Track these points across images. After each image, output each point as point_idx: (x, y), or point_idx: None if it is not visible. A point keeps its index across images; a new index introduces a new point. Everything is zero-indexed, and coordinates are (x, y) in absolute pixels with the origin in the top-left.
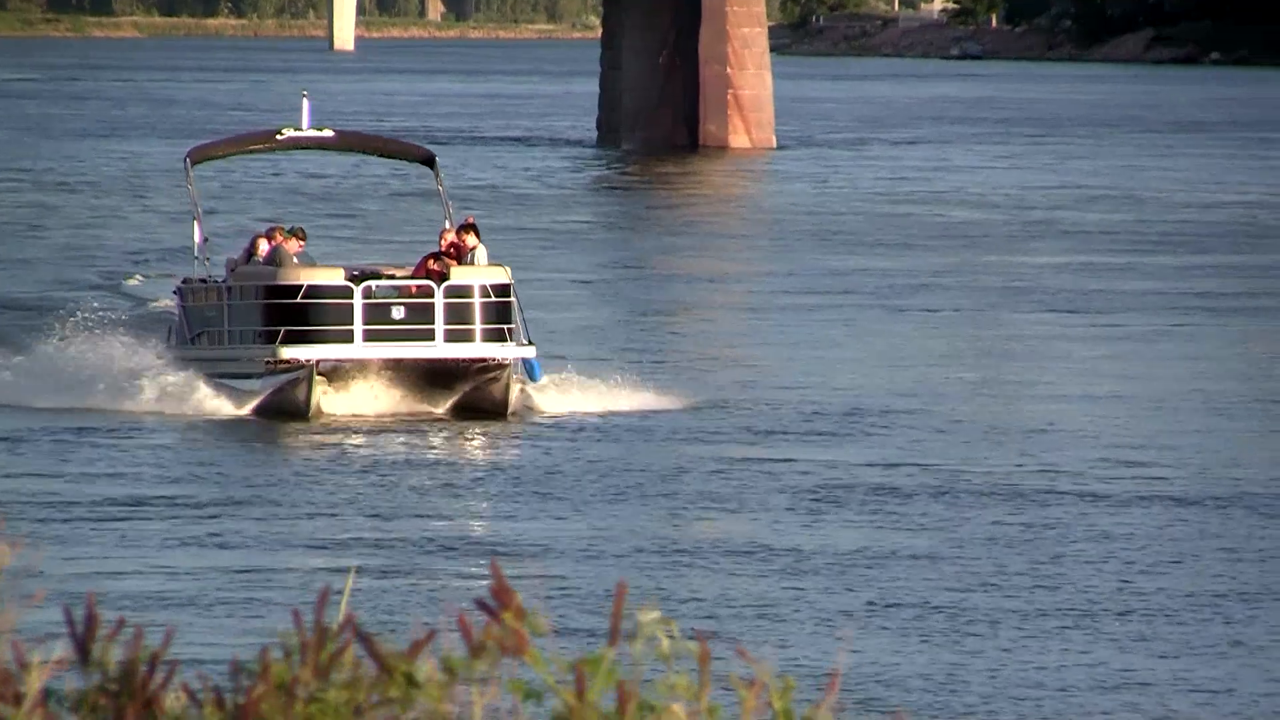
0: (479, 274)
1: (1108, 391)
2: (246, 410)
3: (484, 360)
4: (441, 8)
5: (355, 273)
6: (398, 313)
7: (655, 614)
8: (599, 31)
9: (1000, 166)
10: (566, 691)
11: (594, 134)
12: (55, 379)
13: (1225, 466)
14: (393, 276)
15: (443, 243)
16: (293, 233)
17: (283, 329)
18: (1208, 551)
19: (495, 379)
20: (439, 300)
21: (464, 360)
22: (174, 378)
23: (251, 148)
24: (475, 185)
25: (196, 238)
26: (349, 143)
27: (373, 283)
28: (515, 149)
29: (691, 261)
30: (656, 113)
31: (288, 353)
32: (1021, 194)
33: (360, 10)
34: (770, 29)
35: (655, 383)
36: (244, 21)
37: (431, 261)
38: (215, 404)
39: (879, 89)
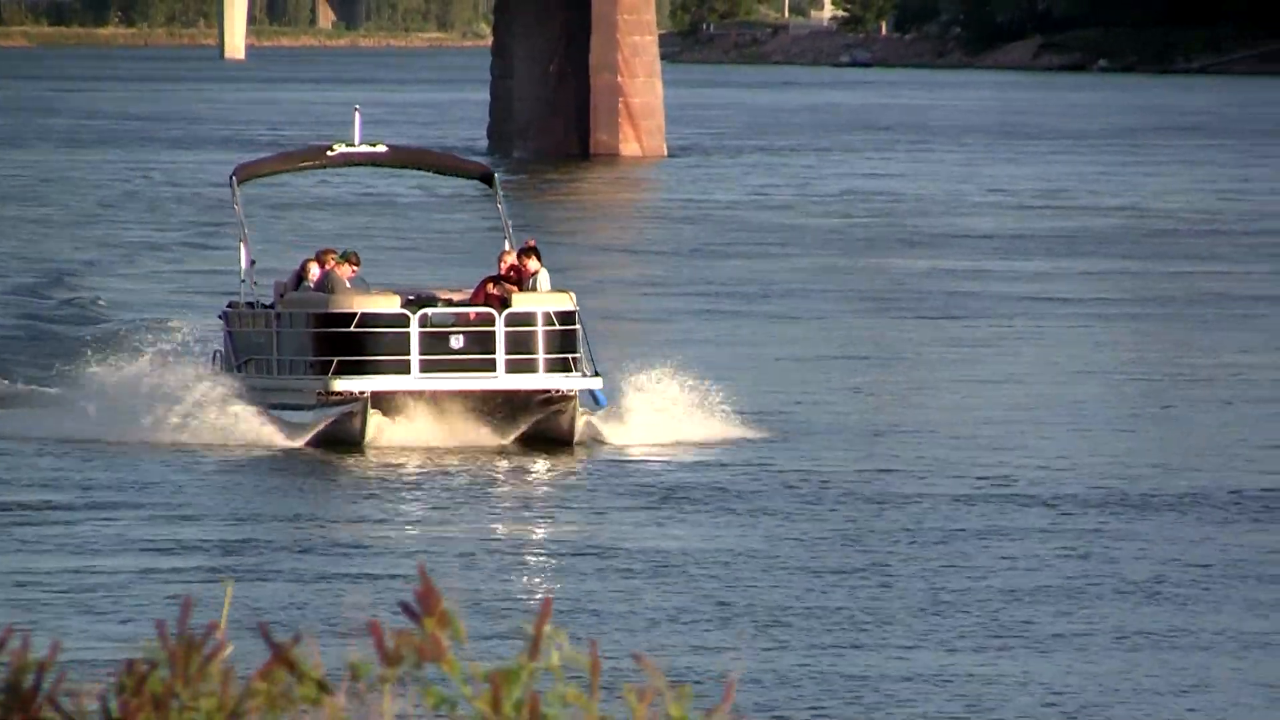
0: (542, 300)
1: (986, 393)
2: (300, 442)
3: (548, 392)
4: (332, 16)
5: (410, 298)
6: (456, 342)
7: (547, 626)
8: (490, 40)
9: (885, 173)
10: (481, 702)
11: (485, 143)
12: (88, 409)
13: (1099, 465)
14: (449, 302)
15: (502, 266)
16: (345, 257)
17: (335, 359)
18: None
19: (560, 411)
20: (500, 328)
21: (527, 392)
22: (224, 407)
23: (301, 165)
24: (366, 193)
25: (243, 260)
26: (403, 159)
27: (430, 310)
28: None
29: (582, 269)
30: (547, 121)
31: (341, 385)
32: (903, 199)
33: (251, 19)
34: (661, 37)
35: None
36: (134, 30)
37: (490, 286)
38: (266, 434)
39: (769, 97)
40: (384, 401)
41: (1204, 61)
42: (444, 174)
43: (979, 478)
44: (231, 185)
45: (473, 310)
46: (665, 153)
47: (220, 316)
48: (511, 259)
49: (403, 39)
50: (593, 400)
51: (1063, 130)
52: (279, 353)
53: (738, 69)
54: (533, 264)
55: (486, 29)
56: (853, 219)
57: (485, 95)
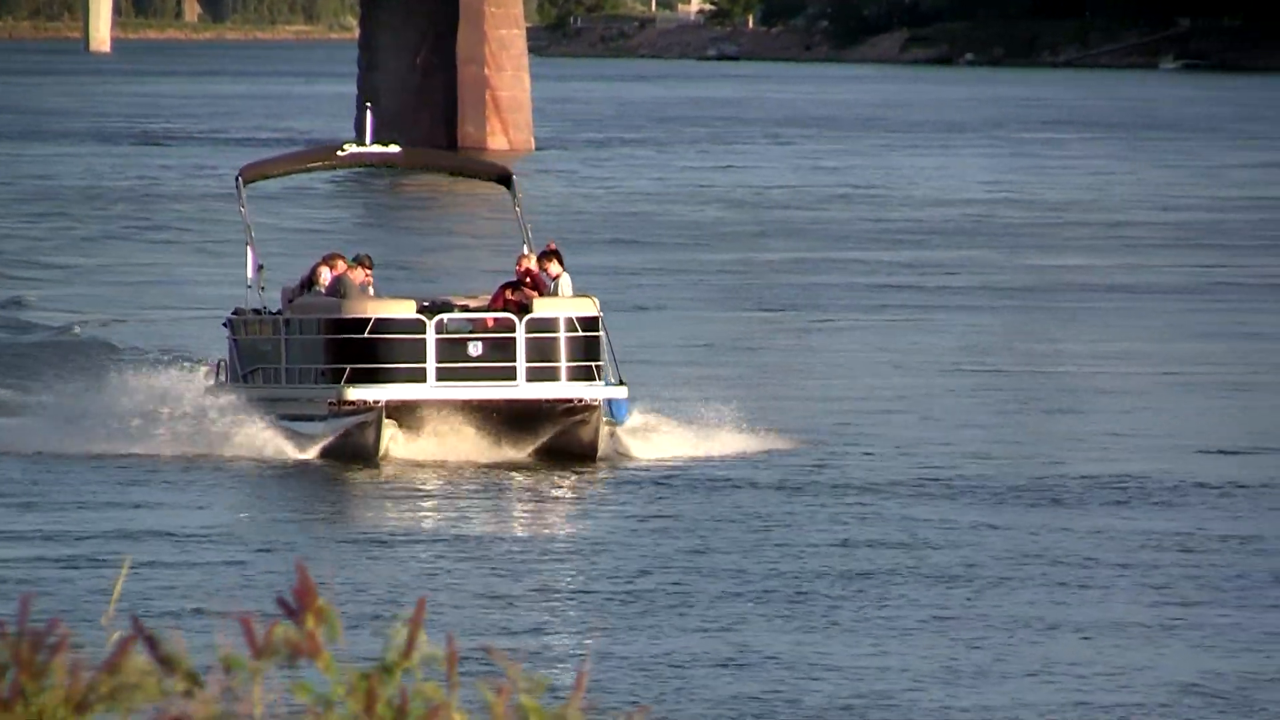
0: (564, 305)
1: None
2: (310, 454)
3: (570, 401)
4: (198, 9)
5: (426, 304)
6: (475, 349)
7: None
8: (356, 33)
9: (748, 165)
10: (355, 701)
11: (352, 135)
12: (86, 421)
13: (934, 453)
14: (466, 308)
15: (520, 270)
16: (357, 261)
17: (348, 367)
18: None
19: (584, 421)
20: (520, 335)
21: (549, 401)
22: (228, 418)
23: (310, 165)
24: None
25: (250, 264)
26: (416, 160)
27: (446, 316)
28: (273, 150)
29: (444, 261)
30: (415, 114)
31: (354, 394)
32: (764, 192)
33: (116, 11)
34: (528, 30)
35: (765, 426)
36: None
37: (509, 292)
38: (275, 446)
39: (636, 90)
40: (399, 412)
41: (1070, 55)
42: (460, 176)
43: (814, 466)
44: (237, 186)
45: (491, 316)
46: (533, 146)
47: (225, 324)
48: (530, 263)
49: (269, 32)
50: (609, 412)
51: (928, 123)
52: (288, 361)
53: (605, 62)
54: (554, 268)
55: (353, 22)
56: (712, 211)
57: (352, 88)
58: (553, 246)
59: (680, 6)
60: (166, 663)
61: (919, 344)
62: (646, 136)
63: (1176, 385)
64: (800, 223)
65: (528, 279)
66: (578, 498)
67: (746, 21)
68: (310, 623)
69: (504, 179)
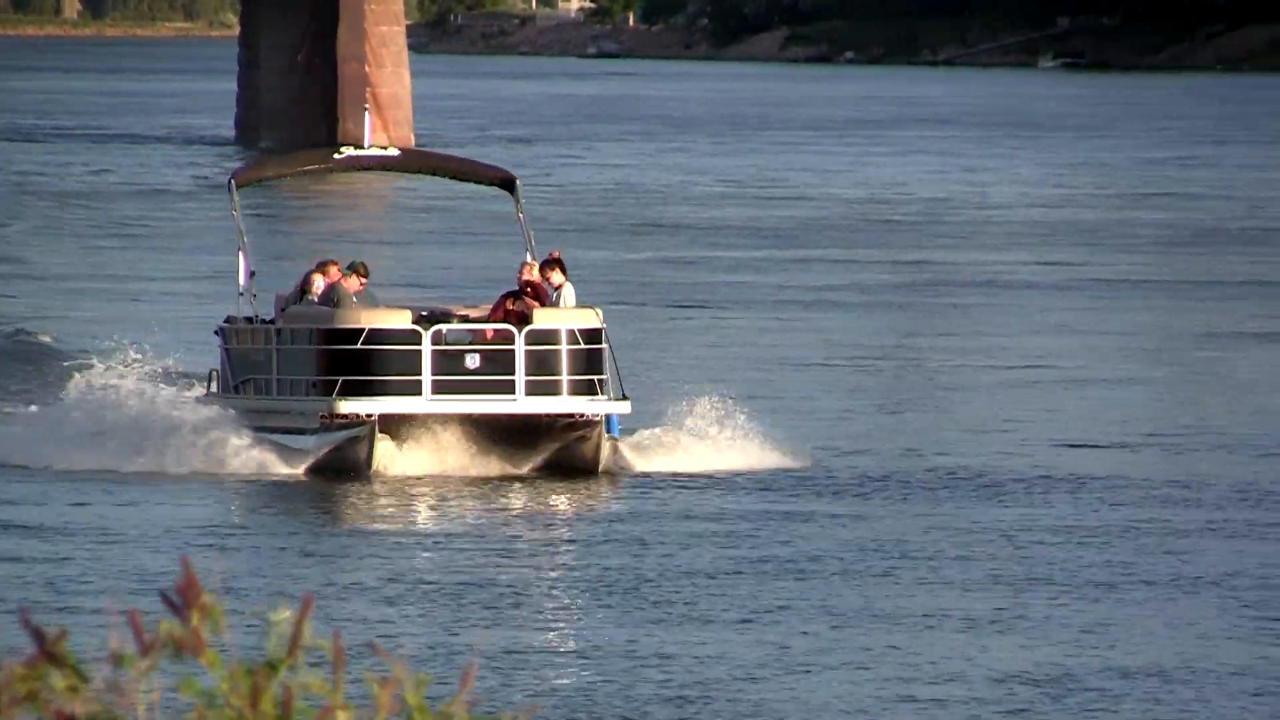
0: (566, 317)
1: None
2: (300, 470)
3: (572, 416)
4: (78, 5)
5: (423, 314)
6: (472, 361)
7: (286, 613)
8: (237, 30)
9: (625, 163)
10: (239, 697)
11: (233, 132)
12: (76, 434)
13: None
14: (465, 319)
15: (521, 278)
16: (352, 268)
17: (341, 379)
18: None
19: (585, 437)
20: (520, 347)
21: (549, 416)
22: (217, 431)
23: (304, 168)
24: (114, 183)
25: (242, 271)
26: (415, 163)
27: (444, 326)
28: (153, 147)
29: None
30: (295, 112)
31: (346, 406)
32: (640, 189)
33: None
34: (408, 27)
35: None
36: None
37: (510, 302)
38: (262, 461)
39: (516, 88)
40: (393, 425)
41: (950, 53)
42: (460, 179)
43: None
44: (230, 191)
45: (490, 327)
46: (413, 143)
47: (216, 333)
48: (533, 273)
49: (149, 29)
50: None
51: (805, 121)
52: (279, 372)
53: (485, 60)
54: (556, 277)
55: (234, 19)
56: (588, 208)
57: (233, 85)
58: (556, 255)
59: (560, 4)
60: (53, 659)
61: (788, 340)
62: (526, 134)
63: (1042, 380)
64: (676, 219)
65: (529, 289)
66: (574, 514)
67: (627, 19)
68: (195, 619)
69: (506, 183)
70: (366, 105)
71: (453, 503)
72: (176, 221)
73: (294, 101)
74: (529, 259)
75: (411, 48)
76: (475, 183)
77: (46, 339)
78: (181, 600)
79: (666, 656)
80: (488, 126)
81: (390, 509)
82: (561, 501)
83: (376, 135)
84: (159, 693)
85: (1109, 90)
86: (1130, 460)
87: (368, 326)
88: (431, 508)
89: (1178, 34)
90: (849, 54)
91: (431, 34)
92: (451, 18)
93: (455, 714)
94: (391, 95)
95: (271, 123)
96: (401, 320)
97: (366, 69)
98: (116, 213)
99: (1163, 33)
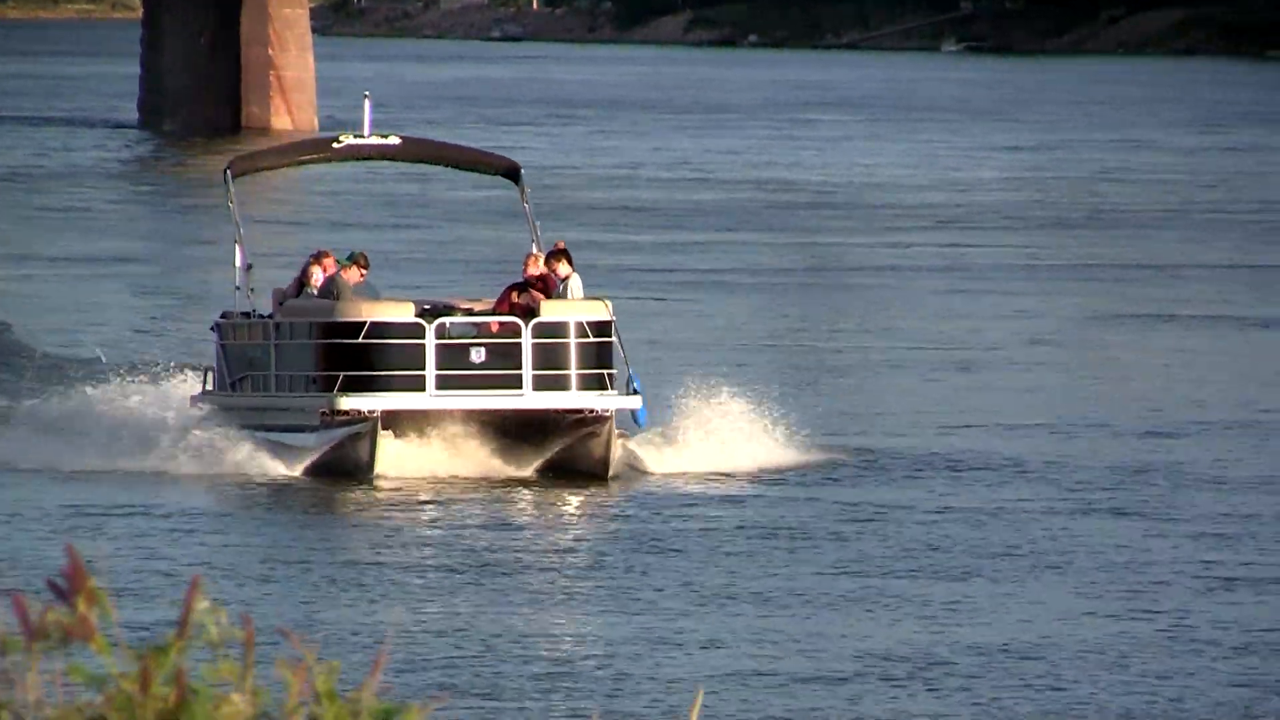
0: (574, 309)
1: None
2: (298, 470)
3: (581, 412)
4: None
5: (426, 306)
6: (477, 355)
7: (205, 602)
8: (140, 12)
9: (527, 145)
10: (129, 681)
11: (136, 116)
12: (69, 435)
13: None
14: (470, 311)
15: (527, 271)
16: (352, 260)
17: (341, 374)
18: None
19: (594, 434)
20: (527, 340)
21: (557, 412)
22: (211, 431)
23: (303, 158)
24: (13, 166)
25: (238, 264)
26: (417, 152)
27: (448, 320)
28: (55, 130)
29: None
30: (199, 94)
31: (347, 403)
32: (543, 172)
33: None
34: (312, 10)
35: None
36: None
37: (515, 294)
38: (260, 462)
39: (419, 71)
40: (396, 422)
41: (853, 37)
42: (463, 168)
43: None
44: (226, 180)
45: (495, 320)
46: (316, 126)
47: (212, 328)
48: (538, 266)
49: (51, 10)
50: (633, 421)
51: (707, 104)
52: (278, 368)
53: (389, 43)
54: (563, 268)
55: (137, 1)
56: (487, 191)
57: (136, 68)
58: (561, 246)
59: None
60: None
61: (680, 324)
62: (429, 116)
63: (927, 362)
64: (575, 203)
65: (536, 280)
66: (581, 515)
67: (531, 2)
68: (82, 605)
69: (511, 172)
70: (366, 93)
71: (458, 502)
72: (83, 204)
73: (198, 84)
74: (534, 250)
75: (315, 30)
76: (477, 171)
77: None
78: (68, 587)
79: (521, 635)
80: (391, 108)
81: (393, 509)
82: (563, 500)
83: (280, 118)
84: (56, 677)
85: (1010, 74)
86: (1008, 442)
87: (369, 320)
88: (437, 506)
89: (1079, 18)
90: (752, 37)
91: (335, 16)
92: (355, 1)
93: (364, 700)
94: (296, 78)
95: (175, 105)
96: (405, 313)
97: (270, 52)
98: (18, 196)
99: (1065, 17)
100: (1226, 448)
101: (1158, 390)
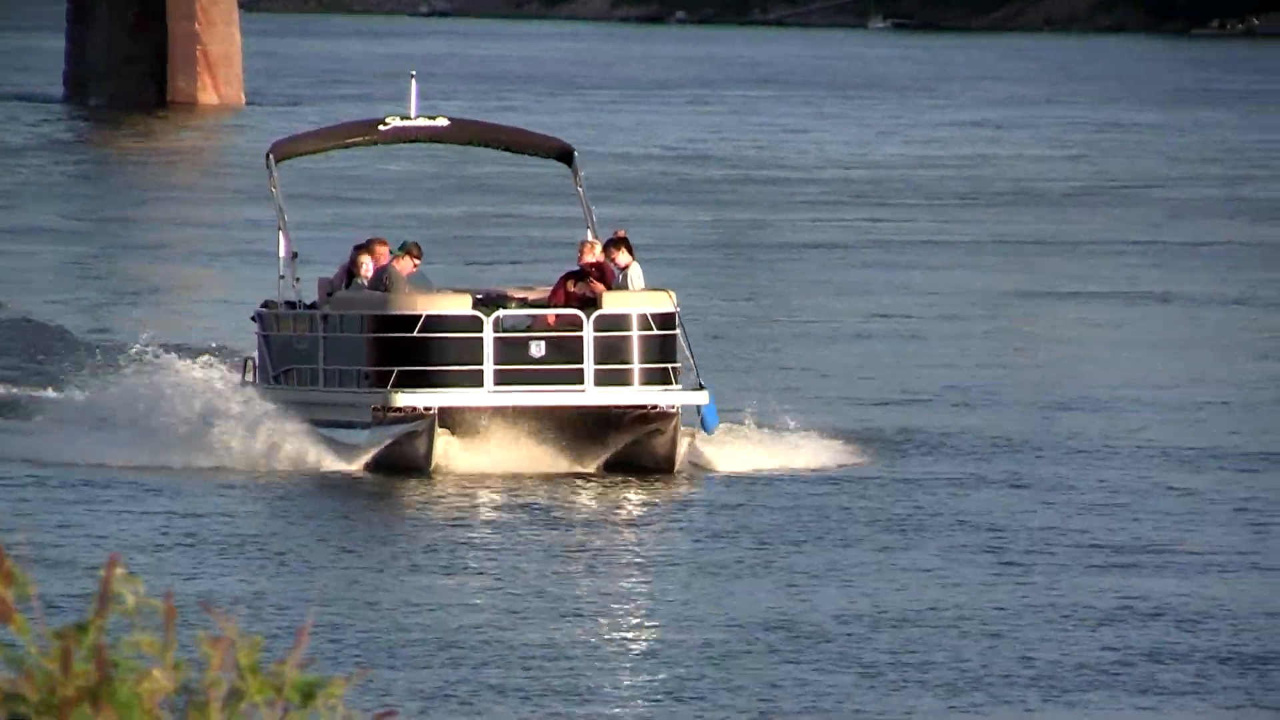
0: (637, 300)
1: None
2: (356, 466)
3: (645, 408)
4: None
5: (478, 297)
6: (537, 349)
7: (121, 571)
8: None
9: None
10: (50, 659)
11: (61, 90)
12: (112, 426)
13: None
14: (524, 302)
15: (583, 258)
16: (404, 249)
17: (395, 370)
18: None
19: (659, 430)
20: (588, 333)
21: (620, 408)
22: (267, 425)
23: (349, 141)
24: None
25: (282, 252)
26: (466, 134)
27: (504, 312)
28: None
29: (153, 213)
30: (125, 69)
31: (403, 399)
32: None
33: None
34: None
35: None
36: None
37: (571, 284)
38: (314, 457)
39: (347, 46)
40: (453, 419)
41: (781, 13)
42: (515, 151)
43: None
44: (268, 164)
45: (553, 312)
46: (243, 101)
47: (254, 318)
48: (595, 254)
49: None
50: (698, 419)
51: (632, 80)
52: (326, 361)
53: (318, 18)
54: (623, 257)
55: None
56: (419, 166)
57: (62, 42)
58: (621, 234)
59: None
60: None
61: None
62: (358, 92)
63: (834, 336)
64: (493, 179)
65: (592, 269)
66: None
67: None
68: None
69: (564, 155)
70: (413, 72)
71: (519, 502)
72: (8, 179)
73: (124, 59)
74: (589, 237)
75: (242, 6)
76: (529, 154)
77: None
78: None
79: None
80: (320, 84)
81: (450, 510)
82: (627, 494)
83: (207, 93)
84: None
85: (936, 51)
86: (907, 414)
87: (425, 313)
88: (495, 507)
89: None
90: (679, 14)
91: None
92: None
93: (286, 674)
94: (222, 53)
95: (101, 80)
96: (462, 305)
97: (197, 26)
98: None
99: None
100: (1124, 421)
101: (1063, 363)
